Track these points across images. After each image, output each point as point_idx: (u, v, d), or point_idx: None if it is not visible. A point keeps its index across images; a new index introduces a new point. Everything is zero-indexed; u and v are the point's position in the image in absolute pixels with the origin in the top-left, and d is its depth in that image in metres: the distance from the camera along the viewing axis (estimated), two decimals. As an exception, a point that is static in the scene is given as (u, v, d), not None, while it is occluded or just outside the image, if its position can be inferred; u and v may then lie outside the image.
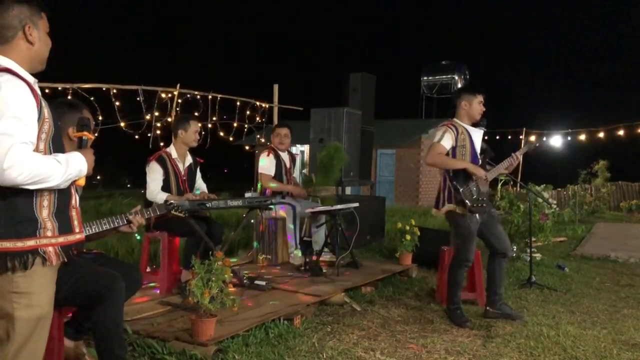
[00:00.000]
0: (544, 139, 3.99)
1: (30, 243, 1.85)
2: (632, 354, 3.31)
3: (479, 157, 3.96)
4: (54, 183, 1.85)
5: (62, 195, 1.95)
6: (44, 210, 1.88)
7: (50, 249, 1.90)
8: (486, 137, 4.33)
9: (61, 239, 1.93)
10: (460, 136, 3.90)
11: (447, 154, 3.89)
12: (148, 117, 6.32)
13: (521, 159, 4.14)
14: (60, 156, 1.90)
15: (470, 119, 3.98)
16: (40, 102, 1.87)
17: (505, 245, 3.97)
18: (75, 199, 2.05)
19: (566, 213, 9.57)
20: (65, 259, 1.96)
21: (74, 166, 1.92)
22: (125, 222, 2.69)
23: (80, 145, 2.10)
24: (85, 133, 2.12)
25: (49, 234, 1.89)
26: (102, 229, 2.62)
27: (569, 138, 3.69)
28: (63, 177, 1.87)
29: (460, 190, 3.80)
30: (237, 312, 3.46)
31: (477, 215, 3.85)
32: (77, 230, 2.01)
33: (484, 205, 3.86)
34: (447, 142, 3.85)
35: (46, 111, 1.89)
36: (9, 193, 1.81)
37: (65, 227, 1.95)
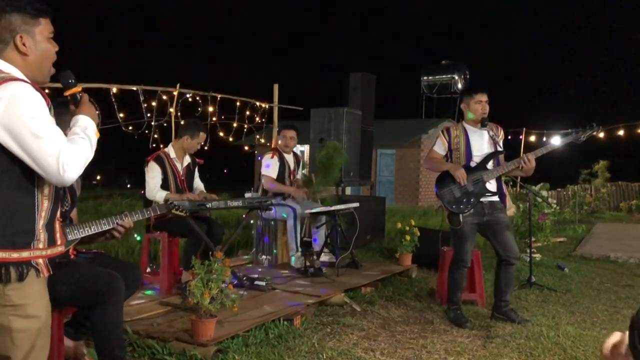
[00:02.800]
0: (555, 142, 3.84)
1: (25, 254, 1.79)
2: (632, 355, 3.31)
3: (473, 157, 3.93)
4: (91, 158, 1.86)
5: (54, 206, 1.90)
6: (41, 221, 1.84)
7: (41, 261, 1.84)
8: (509, 137, 4.26)
9: (49, 251, 1.88)
10: (454, 140, 3.97)
11: (446, 158, 4.01)
12: (148, 117, 6.32)
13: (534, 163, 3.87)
14: (79, 131, 1.86)
15: (472, 119, 3.98)
16: (50, 105, 1.84)
17: (510, 252, 3.88)
18: (60, 211, 2.00)
19: (566, 213, 9.56)
20: (51, 272, 1.90)
21: (91, 133, 1.89)
22: (114, 226, 2.61)
23: (74, 102, 1.99)
24: (75, 89, 2.00)
25: (40, 245, 1.84)
26: (91, 232, 2.56)
27: (584, 137, 3.67)
28: (93, 148, 1.87)
29: (439, 192, 3.95)
30: (237, 312, 3.46)
31: (460, 215, 3.84)
32: (59, 242, 1.94)
33: (470, 205, 3.84)
34: (440, 147, 4.04)
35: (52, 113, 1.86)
36: (12, 203, 1.76)
37: (51, 239, 1.89)
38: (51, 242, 1.89)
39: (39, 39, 1.86)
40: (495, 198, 3.94)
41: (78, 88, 2.01)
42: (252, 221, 5.56)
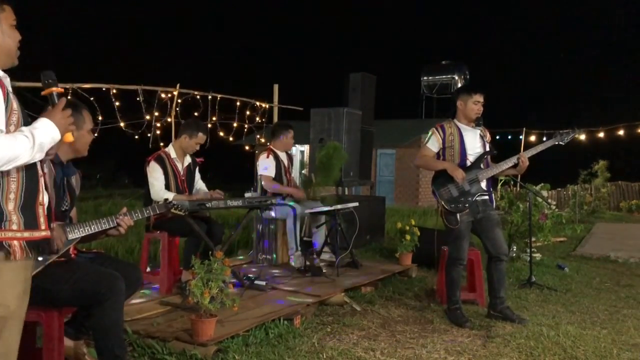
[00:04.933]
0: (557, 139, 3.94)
1: None
2: (632, 354, 3.31)
3: (468, 156, 3.94)
4: (25, 159, 1.81)
5: (29, 190, 1.89)
6: (10, 204, 1.83)
7: (16, 242, 1.82)
8: (497, 137, 4.29)
9: (27, 234, 1.86)
10: (448, 137, 3.96)
11: (438, 155, 4.00)
12: (148, 117, 6.32)
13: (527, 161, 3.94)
14: (25, 129, 1.82)
15: (467, 118, 3.99)
16: (8, 93, 1.83)
17: (499, 249, 3.91)
18: (43, 196, 1.98)
19: (566, 214, 9.55)
20: (31, 255, 1.89)
21: (42, 135, 1.85)
22: (114, 225, 2.61)
23: (52, 103, 1.99)
24: (54, 89, 2.00)
25: (14, 227, 1.83)
26: (90, 231, 2.56)
27: (568, 139, 3.67)
28: (33, 150, 1.82)
29: (437, 191, 3.95)
30: (237, 312, 3.46)
31: (458, 214, 3.85)
32: (42, 227, 1.93)
33: (467, 205, 3.85)
34: (433, 144, 4.00)
35: (15, 104, 1.85)
36: None
37: (31, 222, 1.88)
38: (30, 225, 1.88)
39: (3, 25, 1.88)
40: (487, 197, 3.97)
41: (56, 88, 2.01)
42: (267, 218, 5.52)
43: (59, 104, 1.98)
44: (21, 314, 1.89)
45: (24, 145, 1.80)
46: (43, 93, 2.02)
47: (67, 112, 1.98)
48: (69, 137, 2.00)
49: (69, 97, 4.91)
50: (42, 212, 1.94)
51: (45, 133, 1.87)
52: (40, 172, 1.96)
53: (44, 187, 1.99)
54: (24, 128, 1.84)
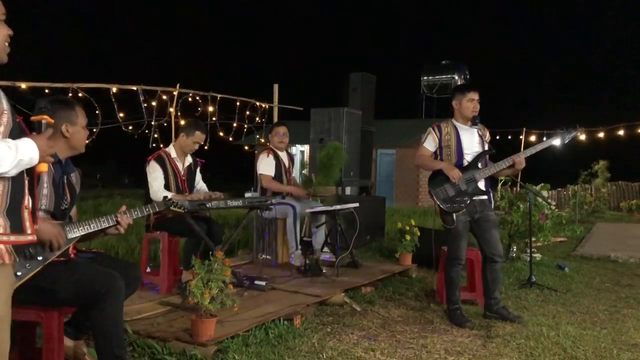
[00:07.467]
0: (553, 140, 3.97)
1: None
2: (632, 354, 3.31)
3: (465, 156, 3.94)
4: (3, 169, 1.76)
5: (14, 194, 1.84)
6: None
7: (2, 246, 1.79)
8: (497, 137, 4.30)
9: (13, 238, 1.83)
10: (445, 137, 3.97)
11: (435, 155, 4.01)
12: (148, 117, 6.32)
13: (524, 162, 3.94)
14: (10, 141, 1.78)
15: (463, 117, 3.99)
16: None
17: (494, 250, 3.91)
18: (28, 200, 1.94)
19: (566, 214, 9.56)
20: (17, 259, 1.87)
21: (24, 152, 1.80)
22: (113, 223, 2.61)
23: (38, 130, 1.96)
24: (45, 117, 1.97)
25: (0, 230, 1.79)
26: (90, 230, 2.55)
27: (569, 138, 3.69)
28: (13, 163, 1.77)
29: (433, 191, 3.94)
30: (237, 312, 3.46)
31: (454, 214, 3.85)
32: (29, 231, 1.90)
33: (463, 205, 3.85)
34: (430, 144, 4.02)
35: (4, 104, 1.81)
36: None
37: (17, 226, 1.85)
38: (16, 229, 1.85)
39: None
40: (485, 197, 3.97)
41: (47, 117, 1.98)
42: (267, 218, 5.52)
43: (46, 132, 1.95)
44: (7, 318, 1.88)
45: (8, 156, 1.75)
46: (33, 119, 1.99)
47: (51, 142, 1.95)
48: (44, 167, 1.96)
49: (69, 96, 4.91)
50: (27, 216, 1.91)
51: (27, 152, 1.82)
52: (25, 174, 1.92)
53: (27, 190, 1.95)
54: (10, 140, 1.80)
